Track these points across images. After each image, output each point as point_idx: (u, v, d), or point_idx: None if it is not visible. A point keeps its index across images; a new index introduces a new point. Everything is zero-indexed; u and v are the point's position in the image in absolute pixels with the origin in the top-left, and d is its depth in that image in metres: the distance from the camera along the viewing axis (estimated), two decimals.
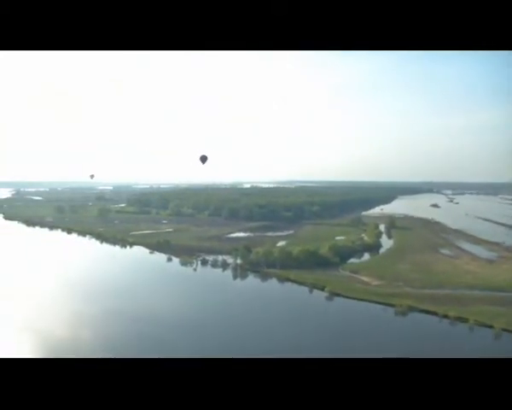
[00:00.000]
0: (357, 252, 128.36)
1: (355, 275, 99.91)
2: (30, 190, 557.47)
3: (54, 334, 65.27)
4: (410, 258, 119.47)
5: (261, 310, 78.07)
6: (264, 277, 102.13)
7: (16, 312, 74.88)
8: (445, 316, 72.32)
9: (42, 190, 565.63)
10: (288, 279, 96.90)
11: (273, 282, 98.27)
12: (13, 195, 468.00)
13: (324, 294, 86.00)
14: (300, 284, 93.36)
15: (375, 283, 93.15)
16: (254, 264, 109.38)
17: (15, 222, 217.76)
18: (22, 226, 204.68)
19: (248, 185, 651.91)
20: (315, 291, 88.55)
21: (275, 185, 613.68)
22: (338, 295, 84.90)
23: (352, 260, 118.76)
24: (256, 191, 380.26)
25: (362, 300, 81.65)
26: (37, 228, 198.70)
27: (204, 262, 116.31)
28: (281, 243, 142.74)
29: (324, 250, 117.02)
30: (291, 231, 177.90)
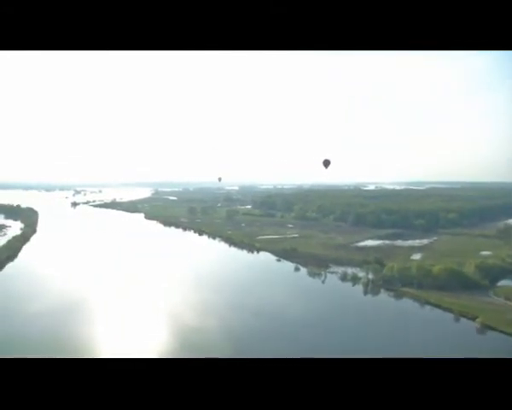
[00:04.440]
0: (510, 273, 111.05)
1: None
2: (166, 189, 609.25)
3: (183, 318, 78.94)
4: None
5: (398, 336, 70.54)
6: (400, 296, 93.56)
7: (156, 298, 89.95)
8: None
9: (176, 190, 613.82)
10: (428, 302, 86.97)
11: (409, 303, 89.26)
12: (152, 194, 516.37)
13: (474, 325, 74.82)
14: (444, 309, 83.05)
15: None
16: (387, 280, 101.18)
17: (154, 222, 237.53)
18: (160, 226, 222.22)
19: (373, 187, 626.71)
20: (462, 320, 77.66)
21: (403, 187, 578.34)
22: (493, 329, 72.59)
23: (504, 282, 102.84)
24: (383, 194, 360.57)
25: None
26: (173, 228, 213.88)
27: (332, 274, 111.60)
28: (415, 256, 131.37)
29: (470, 269, 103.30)
30: (425, 241, 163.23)
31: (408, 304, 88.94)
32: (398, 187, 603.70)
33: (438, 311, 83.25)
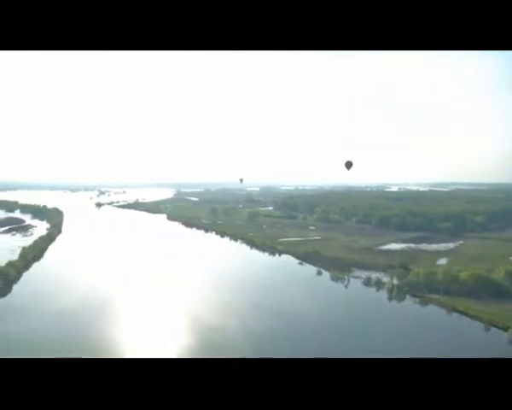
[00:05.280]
0: None
1: None
2: (188, 190, 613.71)
3: (204, 318, 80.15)
4: None
5: (425, 345, 68.42)
6: (426, 303, 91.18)
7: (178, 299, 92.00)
8: None
9: (198, 190, 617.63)
10: (456, 310, 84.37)
11: (436, 310, 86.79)
12: (175, 195, 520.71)
13: (505, 335, 72.02)
14: (472, 317, 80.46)
15: None
16: (413, 286, 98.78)
17: (176, 223, 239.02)
18: (182, 227, 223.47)
19: (395, 188, 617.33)
20: (493, 330, 74.95)
21: (427, 188, 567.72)
22: None
23: None
24: (407, 196, 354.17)
25: None
26: (194, 229, 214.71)
27: (356, 278, 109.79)
28: (441, 261, 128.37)
29: (499, 275, 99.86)
30: (451, 245, 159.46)
31: (434, 311, 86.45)
32: (421, 188, 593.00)
33: (466, 319, 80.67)
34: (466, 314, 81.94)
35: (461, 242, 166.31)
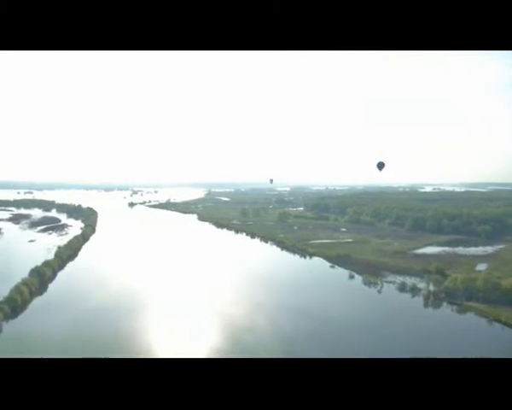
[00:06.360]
0: None
1: None
2: (218, 190, 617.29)
3: (234, 317, 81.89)
4: None
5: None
6: (464, 311, 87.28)
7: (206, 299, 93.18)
8: None
9: (228, 190, 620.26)
10: (498, 320, 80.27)
11: (476, 320, 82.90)
12: (205, 195, 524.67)
13: None
14: None
15: None
16: (450, 293, 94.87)
17: (207, 223, 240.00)
18: (213, 228, 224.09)
19: (429, 188, 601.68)
20: None
21: (463, 189, 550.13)
22: None
23: None
24: (442, 197, 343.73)
25: None
26: (225, 230, 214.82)
27: (389, 283, 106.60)
28: (480, 266, 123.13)
29: None
30: (489, 250, 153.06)
31: (474, 320, 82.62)
32: (457, 189, 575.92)
33: (509, 331, 76.58)
34: (510, 326, 77.69)
35: (500, 246, 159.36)
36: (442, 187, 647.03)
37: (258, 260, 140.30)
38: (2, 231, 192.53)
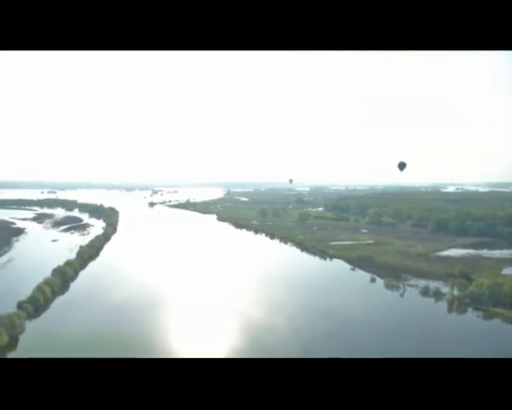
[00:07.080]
0: None
1: None
2: (238, 190, 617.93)
3: (253, 318, 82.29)
4: None
5: None
6: (490, 317, 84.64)
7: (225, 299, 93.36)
8: None
9: (247, 190, 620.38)
10: None
11: (503, 326, 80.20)
12: (225, 195, 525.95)
13: None
14: None
15: None
16: (475, 298, 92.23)
17: (226, 223, 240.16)
18: (232, 228, 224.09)
19: (452, 188, 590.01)
20: None
21: (487, 189, 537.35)
22: None
23: None
24: (466, 197, 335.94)
25: None
26: (244, 230, 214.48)
27: (412, 287, 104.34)
28: (506, 270, 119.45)
29: None
30: None
31: (502, 328, 79.97)
32: (481, 189, 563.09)
33: None
34: None
35: None
36: (465, 187, 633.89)
37: (277, 262, 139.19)
38: (26, 230, 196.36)
